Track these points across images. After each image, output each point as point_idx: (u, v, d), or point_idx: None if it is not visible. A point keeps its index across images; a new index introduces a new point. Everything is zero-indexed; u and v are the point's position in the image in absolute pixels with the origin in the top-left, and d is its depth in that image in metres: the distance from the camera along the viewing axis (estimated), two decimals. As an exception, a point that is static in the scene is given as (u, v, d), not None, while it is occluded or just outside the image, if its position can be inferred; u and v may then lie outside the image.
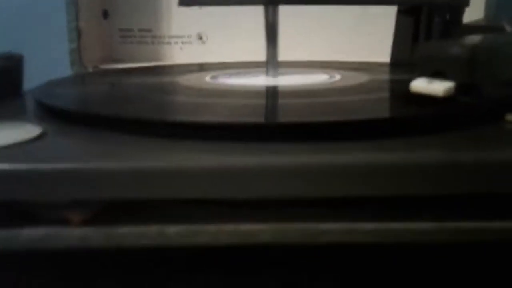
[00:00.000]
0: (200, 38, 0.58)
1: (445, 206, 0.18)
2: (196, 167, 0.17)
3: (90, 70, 0.51)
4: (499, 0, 0.49)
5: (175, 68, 0.48)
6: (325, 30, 0.54)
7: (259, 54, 0.32)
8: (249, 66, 0.41)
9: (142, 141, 0.19)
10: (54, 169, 0.16)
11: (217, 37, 0.58)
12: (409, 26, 0.40)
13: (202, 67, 0.43)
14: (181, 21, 0.56)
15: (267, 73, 0.32)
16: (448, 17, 0.39)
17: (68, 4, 0.49)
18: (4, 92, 0.30)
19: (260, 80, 0.32)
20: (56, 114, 0.23)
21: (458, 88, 0.20)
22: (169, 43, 0.58)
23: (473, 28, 0.35)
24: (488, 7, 0.48)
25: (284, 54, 0.35)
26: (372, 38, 0.53)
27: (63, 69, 0.50)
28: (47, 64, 0.48)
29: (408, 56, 0.35)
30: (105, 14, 0.58)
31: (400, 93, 0.23)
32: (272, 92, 0.29)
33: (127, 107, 0.24)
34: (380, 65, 0.40)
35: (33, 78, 0.34)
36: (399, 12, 0.41)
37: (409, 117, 0.20)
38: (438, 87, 0.20)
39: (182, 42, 0.58)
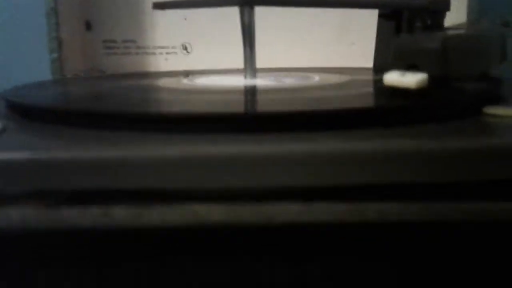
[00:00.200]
0: (185, 48, 0.58)
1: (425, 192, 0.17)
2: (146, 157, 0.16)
3: (71, 79, 0.50)
4: (481, 4, 0.49)
5: (156, 73, 0.47)
6: (306, 40, 0.54)
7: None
8: (232, 72, 0.40)
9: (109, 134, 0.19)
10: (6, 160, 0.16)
11: (202, 47, 0.57)
12: (391, 30, 0.39)
13: (180, 73, 0.42)
14: (166, 32, 0.56)
15: (245, 75, 0.31)
16: (429, 21, 0.39)
17: (48, 13, 0.49)
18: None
19: (237, 81, 0.32)
20: (18, 111, 0.22)
21: (432, 81, 0.20)
22: (154, 53, 0.58)
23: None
24: (470, 11, 0.49)
25: (265, 63, 0.35)
26: (354, 48, 0.53)
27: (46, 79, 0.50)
28: (30, 74, 0.47)
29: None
30: (88, 25, 0.57)
31: (378, 89, 0.23)
32: (248, 90, 0.28)
33: (90, 103, 0.24)
34: (362, 69, 0.40)
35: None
36: (381, 17, 0.41)
37: (383, 108, 0.19)
38: (411, 79, 0.20)
39: (167, 53, 0.58)
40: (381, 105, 0.20)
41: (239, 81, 0.32)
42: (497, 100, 0.23)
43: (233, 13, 0.55)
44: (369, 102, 0.22)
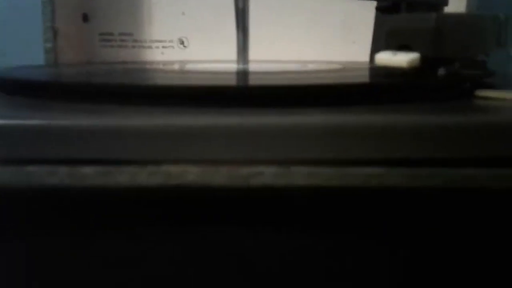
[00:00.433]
0: (182, 42, 0.57)
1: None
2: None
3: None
4: (480, 2, 0.49)
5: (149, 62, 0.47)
6: (307, 38, 0.53)
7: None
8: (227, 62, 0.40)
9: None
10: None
11: (199, 42, 0.57)
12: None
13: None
14: (163, 26, 0.56)
15: (237, 60, 0.31)
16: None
17: (44, 2, 0.49)
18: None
19: (229, 66, 0.31)
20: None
21: (424, 61, 0.19)
22: (150, 47, 0.57)
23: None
24: (469, 7, 0.48)
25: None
26: (356, 46, 0.53)
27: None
28: (24, 63, 0.47)
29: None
30: (85, 18, 0.57)
31: (370, 71, 0.22)
32: (236, 71, 0.28)
33: (67, 78, 0.24)
34: (358, 62, 0.40)
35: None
36: (378, 10, 0.41)
37: (375, 85, 0.19)
38: (402, 58, 0.19)
39: (164, 47, 0.57)
40: (368, 82, 0.19)
41: (230, 66, 0.32)
42: (490, 86, 0.23)
43: (231, 8, 0.54)
44: (357, 79, 0.21)
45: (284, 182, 0.16)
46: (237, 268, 0.18)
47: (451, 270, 0.18)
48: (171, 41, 0.57)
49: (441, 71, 0.20)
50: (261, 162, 0.16)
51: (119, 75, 0.25)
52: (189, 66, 0.32)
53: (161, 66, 0.33)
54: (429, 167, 0.16)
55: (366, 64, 0.37)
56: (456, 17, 0.20)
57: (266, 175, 0.16)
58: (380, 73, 0.21)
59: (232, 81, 0.22)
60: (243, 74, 0.26)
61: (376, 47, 0.39)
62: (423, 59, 0.19)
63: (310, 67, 0.30)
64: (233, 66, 0.31)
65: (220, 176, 0.16)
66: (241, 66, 0.30)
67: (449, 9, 0.38)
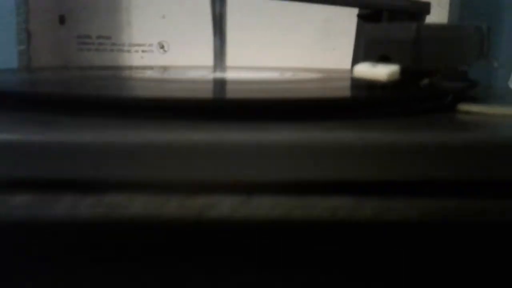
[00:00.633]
0: (162, 46, 0.56)
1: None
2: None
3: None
4: (462, 9, 0.49)
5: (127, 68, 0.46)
6: (287, 44, 0.53)
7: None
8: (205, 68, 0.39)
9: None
10: None
11: (180, 46, 0.56)
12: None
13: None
14: (142, 29, 0.55)
15: (214, 68, 0.29)
16: (409, 24, 0.38)
17: (18, 4, 0.47)
18: None
19: (206, 74, 0.30)
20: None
21: (404, 73, 0.19)
22: (129, 51, 0.56)
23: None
24: (451, 15, 0.48)
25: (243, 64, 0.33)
26: (335, 52, 0.52)
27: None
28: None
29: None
30: (62, 20, 0.56)
31: (348, 82, 0.21)
32: (216, 80, 0.26)
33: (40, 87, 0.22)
34: (338, 69, 0.39)
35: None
36: (360, 18, 0.40)
37: (351, 99, 0.18)
38: (382, 70, 0.19)
39: (143, 51, 0.56)
40: (344, 96, 0.18)
41: (206, 74, 0.30)
42: (472, 99, 0.22)
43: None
44: (332, 92, 0.20)
45: (243, 213, 0.15)
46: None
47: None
48: (150, 45, 0.56)
49: (424, 83, 0.19)
50: (217, 188, 0.15)
51: (68, 83, 0.23)
52: (158, 74, 0.31)
53: (127, 73, 0.31)
54: (405, 194, 0.15)
55: (345, 73, 0.36)
56: (437, 28, 0.20)
57: (222, 206, 0.15)
58: (358, 86, 0.20)
59: (189, 92, 0.20)
60: (206, 84, 0.25)
61: (358, 56, 0.39)
62: (403, 71, 0.19)
63: (287, 76, 0.29)
64: (205, 74, 0.30)
65: (170, 206, 0.15)
66: (211, 75, 0.29)
67: (431, 17, 0.38)
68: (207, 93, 0.20)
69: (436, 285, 0.17)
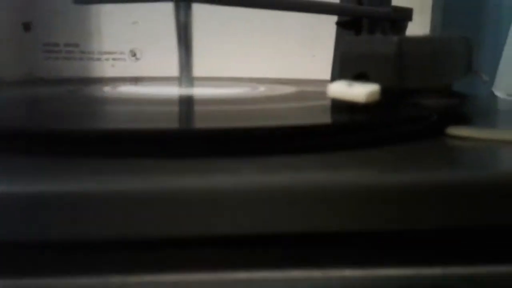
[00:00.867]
0: (134, 54, 0.54)
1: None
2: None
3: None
4: (445, 15, 0.47)
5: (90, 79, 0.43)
6: (266, 52, 0.51)
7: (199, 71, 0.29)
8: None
9: None
10: None
11: (153, 53, 0.54)
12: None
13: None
14: (113, 36, 0.52)
15: (180, 82, 0.27)
16: (390, 32, 0.36)
17: (-23, 12, 0.44)
18: None
19: (170, 90, 0.28)
20: None
21: (385, 93, 0.16)
22: (99, 59, 0.54)
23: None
24: (433, 25, 0.46)
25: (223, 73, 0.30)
26: (315, 60, 0.51)
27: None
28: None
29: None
30: (27, 26, 0.53)
31: (321, 103, 0.19)
32: (181, 100, 0.24)
33: None
34: (318, 81, 0.36)
35: None
36: (339, 25, 0.38)
37: (322, 126, 0.15)
38: (359, 91, 0.16)
39: (114, 59, 0.54)
40: (313, 123, 0.16)
41: (170, 90, 0.28)
42: (462, 119, 0.20)
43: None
44: (299, 119, 0.18)
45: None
46: None
47: None
48: (122, 52, 0.54)
49: (409, 103, 0.17)
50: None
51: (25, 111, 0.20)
52: (128, 89, 0.28)
53: (92, 90, 0.29)
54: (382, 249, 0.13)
55: (323, 87, 0.34)
56: (421, 40, 0.17)
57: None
58: (332, 108, 0.17)
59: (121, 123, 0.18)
60: (165, 105, 0.22)
61: (336, 67, 0.36)
62: (384, 90, 0.16)
63: (258, 91, 0.26)
64: (170, 90, 0.27)
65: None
66: (176, 91, 0.26)
67: (413, 26, 0.36)
68: (158, 121, 0.17)
69: None
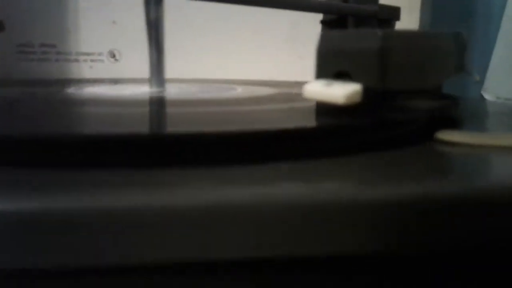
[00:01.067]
0: (113, 56, 0.52)
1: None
2: None
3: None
4: (434, 17, 0.46)
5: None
6: (252, 53, 0.50)
7: (180, 72, 0.27)
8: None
9: None
10: None
11: (132, 55, 0.52)
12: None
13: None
14: (91, 37, 0.51)
15: (150, 81, 0.25)
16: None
17: None
18: None
19: (136, 91, 0.26)
20: None
21: (367, 94, 0.14)
22: (76, 60, 0.52)
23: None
24: (422, 23, 0.45)
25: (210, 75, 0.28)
26: (302, 61, 0.50)
27: None
28: None
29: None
30: (0, 26, 0.51)
31: (300, 106, 0.17)
32: (144, 101, 0.22)
33: None
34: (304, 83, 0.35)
35: None
36: (324, 24, 0.36)
37: (289, 131, 0.13)
38: (338, 91, 0.14)
39: (92, 60, 0.52)
40: (280, 128, 0.14)
41: (135, 91, 0.26)
42: (453, 123, 0.18)
43: (168, 15, 0.50)
44: (265, 122, 0.16)
45: None
46: None
47: None
48: (100, 53, 0.52)
49: (389, 106, 0.15)
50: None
51: None
52: (106, 89, 0.26)
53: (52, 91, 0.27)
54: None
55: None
56: (409, 35, 0.15)
57: None
58: (306, 110, 0.15)
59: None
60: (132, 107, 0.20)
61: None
62: (366, 91, 0.14)
63: (230, 93, 0.24)
64: (142, 92, 0.25)
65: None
66: (147, 93, 0.24)
67: (402, 26, 0.35)
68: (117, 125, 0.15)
69: None
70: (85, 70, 0.51)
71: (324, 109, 0.15)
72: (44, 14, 0.50)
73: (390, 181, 0.11)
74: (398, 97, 0.15)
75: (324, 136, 0.14)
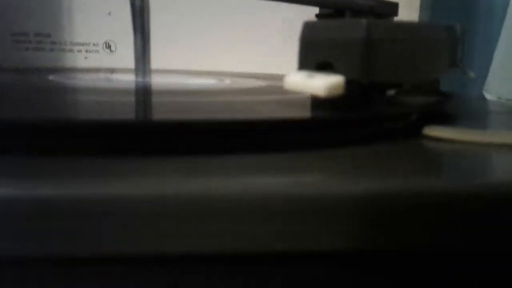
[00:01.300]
0: (108, 46, 0.51)
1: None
2: None
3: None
4: (434, 14, 0.45)
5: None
6: (249, 48, 0.49)
7: (177, 64, 0.26)
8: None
9: None
10: None
11: (128, 46, 0.51)
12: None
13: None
14: (87, 27, 0.50)
15: (135, 71, 0.24)
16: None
17: None
18: None
19: (120, 80, 0.25)
20: None
21: (350, 86, 0.14)
22: (71, 50, 0.51)
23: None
24: (421, 16, 0.44)
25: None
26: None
27: None
28: None
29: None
30: (-4, 16, 0.50)
31: (282, 98, 0.16)
32: (125, 91, 0.21)
33: None
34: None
35: None
36: (319, 18, 0.36)
37: (262, 122, 0.13)
38: (319, 83, 0.14)
39: (87, 51, 0.51)
40: (252, 118, 0.13)
41: (119, 80, 0.25)
42: (443, 119, 0.17)
43: (165, 7, 0.49)
44: (240, 112, 0.15)
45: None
46: None
47: None
48: (96, 44, 0.51)
49: (374, 99, 0.14)
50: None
51: None
52: (101, 79, 0.25)
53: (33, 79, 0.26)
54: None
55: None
56: (396, 27, 0.15)
57: None
58: (286, 102, 0.15)
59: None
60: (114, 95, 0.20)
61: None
62: (349, 83, 0.14)
63: (212, 85, 0.24)
64: (129, 81, 0.25)
65: None
66: (133, 82, 0.24)
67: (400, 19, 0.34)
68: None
69: None
70: (80, 60, 0.51)
71: (302, 101, 0.14)
72: (39, 4, 0.49)
73: (360, 177, 0.11)
74: (385, 90, 0.14)
75: (299, 129, 0.13)
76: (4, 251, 0.10)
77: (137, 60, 0.24)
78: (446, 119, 0.18)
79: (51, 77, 0.26)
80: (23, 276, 0.11)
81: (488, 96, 0.47)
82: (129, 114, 0.16)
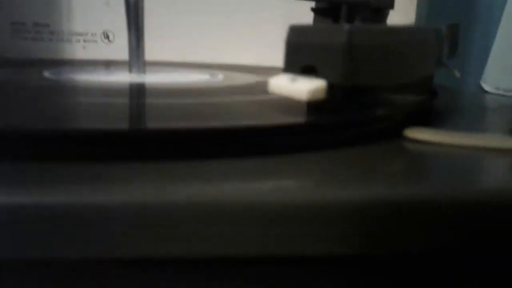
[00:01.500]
0: (107, 36, 0.51)
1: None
2: None
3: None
4: (430, 9, 0.45)
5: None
6: (249, 41, 0.49)
7: (176, 55, 0.26)
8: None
9: None
10: None
11: (126, 36, 0.51)
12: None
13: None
14: (85, 17, 0.50)
15: (130, 69, 0.25)
16: (370, 19, 0.33)
17: None
18: None
19: (117, 77, 0.25)
20: None
21: (332, 90, 0.14)
22: (69, 40, 0.51)
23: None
24: (418, 14, 0.44)
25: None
26: None
27: None
28: None
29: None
30: (-5, 5, 0.50)
31: (266, 99, 0.17)
32: (119, 89, 0.21)
33: None
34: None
35: None
36: (315, 12, 0.36)
37: (239, 128, 0.13)
38: (302, 86, 0.14)
39: (85, 41, 0.51)
40: (227, 125, 0.13)
41: (112, 77, 0.25)
42: (428, 119, 0.17)
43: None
44: (229, 118, 0.15)
45: None
46: None
47: None
48: (94, 34, 0.51)
49: (353, 102, 0.14)
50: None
51: None
52: (96, 75, 0.25)
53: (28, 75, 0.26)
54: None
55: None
56: (378, 31, 0.15)
57: None
58: (267, 105, 0.15)
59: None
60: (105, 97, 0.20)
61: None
62: (332, 87, 0.14)
63: (214, 81, 0.24)
64: (121, 78, 0.25)
65: None
66: (127, 80, 0.24)
67: (398, 16, 0.34)
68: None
69: None
70: (78, 50, 0.51)
71: (284, 105, 0.15)
72: (38, -7, 0.49)
73: (336, 181, 0.11)
74: (369, 93, 0.15)
75: (279, 133, 0.13)
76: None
77: (131, 54, 0.24)
78: (433, 118, 0.18)
79: (46, 74, 0.26)
80: (23, 279, 0.11)
81: (486, 87, 0.47)
82: (122, 122, 0.16)
